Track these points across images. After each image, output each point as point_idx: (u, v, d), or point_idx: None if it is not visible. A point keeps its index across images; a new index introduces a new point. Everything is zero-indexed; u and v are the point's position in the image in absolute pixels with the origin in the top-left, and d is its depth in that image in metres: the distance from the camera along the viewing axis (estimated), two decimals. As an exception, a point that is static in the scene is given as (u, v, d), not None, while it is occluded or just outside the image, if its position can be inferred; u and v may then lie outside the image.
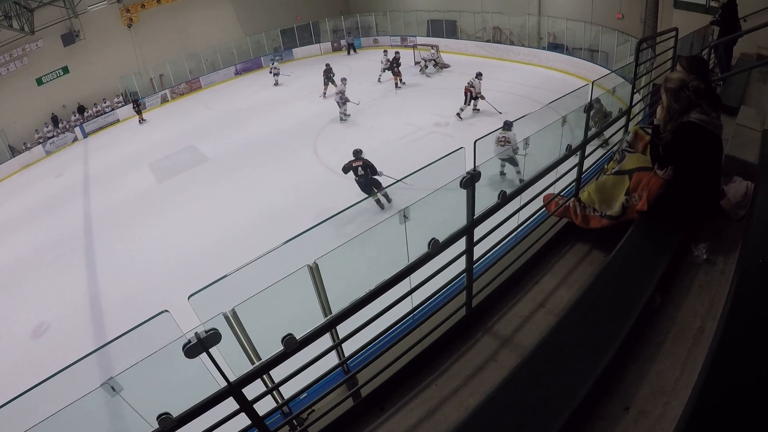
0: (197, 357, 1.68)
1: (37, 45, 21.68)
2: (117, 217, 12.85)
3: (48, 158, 20.98)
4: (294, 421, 2.43)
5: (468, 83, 14.77)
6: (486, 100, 14.85)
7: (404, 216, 2.53)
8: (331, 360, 2.47)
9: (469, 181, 2.35)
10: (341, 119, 16.46)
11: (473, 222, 2.56)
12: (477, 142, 2.36)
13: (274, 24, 28.24)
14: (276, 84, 23.30)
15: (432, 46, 21.87)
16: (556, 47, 20.52)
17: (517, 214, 3.09)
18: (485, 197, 2.63)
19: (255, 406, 2.02)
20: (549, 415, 1.98)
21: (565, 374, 2.16)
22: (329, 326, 2.18)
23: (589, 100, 3.44)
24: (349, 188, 11.50)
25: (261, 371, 1.97)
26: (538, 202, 3.43)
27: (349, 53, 27.58)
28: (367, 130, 15.46)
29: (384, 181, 9.93)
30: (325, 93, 19.31)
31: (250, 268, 2.10)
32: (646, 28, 15.95)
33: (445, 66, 21.48)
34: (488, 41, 23.52)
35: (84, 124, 22.56)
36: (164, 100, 24.68)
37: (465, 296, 2.84)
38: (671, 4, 13.14)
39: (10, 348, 8.66)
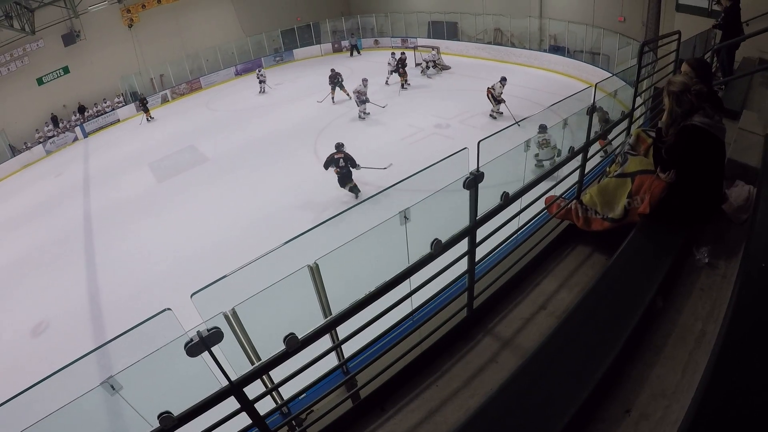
0: (198, 356, 1.68)
1: (37, 45, 21.71)
2: (117, 216, 12.85)
3: (48, 158, 21.00)
4: (293, 421, 2.43)
5: (489, 86, 14.71)
6: (506, 105, 14.66)
7: (405, 217, 2.52)
8: (331, 361, 2.47)
9: (473, 182, 2.35)
10: (360, 117, 16.46)
11: (476, 223, 2.56)
12: (480, 143, 2.36)
13: (274, 25, 28.28)
14: (261, 92, 22.57)
15: (433, 48, 21.90)
16: (557, 50, 20.56)
17: (518, 216, 3.08)
18: (485, 199, 2.63)
19: (255, 405, 2.02)
20: (550, 417, 1.97)
21: (566, 376, 2.15)
22: (329, 327, 2.18)
23: (592, 102, 3.44)
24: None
25: (262, 371, 1.97)
26: (540, 204, 3.43)
27: (352, 54, 27.46)
28: (367, 131, 15.48)
29: (369, 172, 10.86)
30: (333, 98, 18.75)
31: (251, 268, 2.09)
32: (647, 31, 15.98)
33: (445, 68, 21.52)
34: (489, 43, 23.58)
35: (84, 124, 22.58)
36: (165, 100, 24.69)
37: (466, 297, 2.84)
38: (673, 8, 13.16)
39: (9, 346, 8.66)
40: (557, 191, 3.55)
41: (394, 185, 2.91)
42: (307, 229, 2.44)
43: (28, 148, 20.94)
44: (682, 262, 2.89)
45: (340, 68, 19.76)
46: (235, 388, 1.86)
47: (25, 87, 21.77)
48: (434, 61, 21.21)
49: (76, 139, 22.19)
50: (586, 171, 3.67)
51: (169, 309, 1.72)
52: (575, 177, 3.61)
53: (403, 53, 20.19)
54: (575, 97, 4.45)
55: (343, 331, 2.34)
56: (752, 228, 2.62)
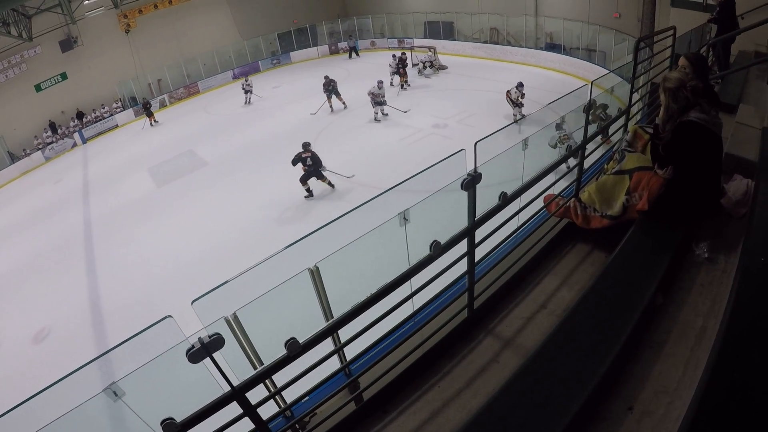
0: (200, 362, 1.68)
1: (35, 51, 21.71)
2: (116, 221, 12.85)
3: (47, 164, 21.00)
4: (296, 425, 2.43)
5: (507, 90, 14.54)
6: (522, 112, 14.37)
7: (404, 218, 2.53)
8: (333, 364, 2.47)
9: (470, 183, 2.35)
10: (376, 119, 16.21)
11: (474, 223, 2.56)
12: (478, 144, 2.36)
13: (271, 28, 28.30)
14: (247, 102, 21.66)
15: (429, 48, 21.91)
16: (553, 47, 20.58)
17: (517, 216, 3.09)
18: (484, 199, 2.63)
19: (257, 410, 2.02)
20: (552, 415, 1.97)
21: (568, 375, 2.16)
22: (331, 330, 2.18)
23: (588, 100, 3.44)
24: (351, 190, 11.54)
25: (264, 375, 1.97)
26: (539, 203, 3.43)
27: (350, 57, 27.28)
28: (365, 132, 15.49)
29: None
30: (331, 107, 17.96)
31: (251, 273, 2.09)
32: (643, 27, 15.99)
33: (442, 68, 21.52)
34: (485, 42, 23.59)
35: (83, 130, 22.59)
36: (162, 105, 24.68)
37: (467, 298, 2.84)
38: (668, 3, 13.18)
39: (11, 353, 8.66)
40: (556, 189, 3.55)
41: (393, 187, 2.92)
42: (308, 233, 2.43)
43: (27, 155, 20.94)
44: (681, 257, 2.89)
45: (338, 70, 19.72)
46: (237, 394, 1.86)
47: (23, 93, 21.75)
48: (431, 62, 21.22)
49: (74, 145, 22.20)
50: (584, 168, 3.68)
51: (170, 316, 1.72)
52: (573, 175, 3.61)
53: (403, 53, 20.18)
54: (573, 94, 4.46)
55: (344, 333, 2.34)
56: (751, 222, 2.62)
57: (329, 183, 11.75)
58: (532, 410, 2.04)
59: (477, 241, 2.70)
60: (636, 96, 4.59)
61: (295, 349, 1.93)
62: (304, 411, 2.47)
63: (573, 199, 3.50)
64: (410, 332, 2.66)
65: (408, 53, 21.79)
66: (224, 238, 10.58)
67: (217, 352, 1.71)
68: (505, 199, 2.70)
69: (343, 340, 2.41)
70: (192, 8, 26.19)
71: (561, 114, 10.25)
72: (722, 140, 2.99)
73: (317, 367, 2.20)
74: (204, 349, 1.64)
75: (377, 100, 15.95)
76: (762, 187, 2.82)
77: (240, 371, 2.09)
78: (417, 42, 24.81)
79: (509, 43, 22.71)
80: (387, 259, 2.79)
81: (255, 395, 2.00)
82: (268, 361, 2.01)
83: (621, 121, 4.28)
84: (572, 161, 9.89)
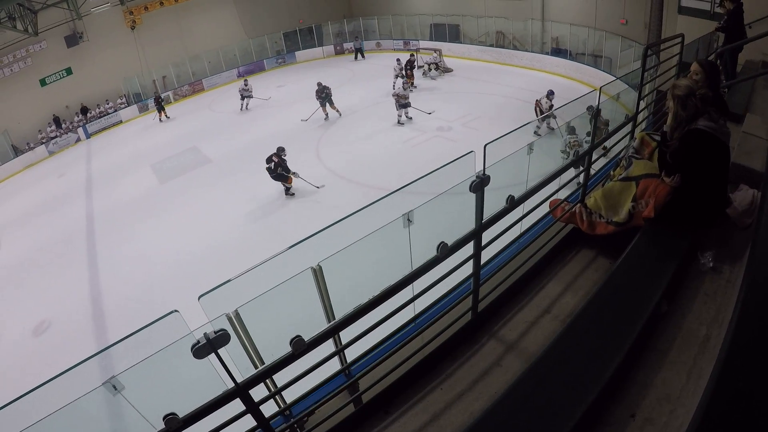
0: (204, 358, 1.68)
1: (40, 46, 21.74)
2: (119, 217, 12.87)
3: (51, 158, 21.03)
4: (296, 424, 2.42)
5: (537, 99, 14.07)
6: (555, 121, 13.30)
7: (408, 219, 2.52)
8: (335, 364, 2.46)
9: (479, 185, 2.35)
10: (399, 122, 15.61)
11: (482, 226, 2.55)
12: (487, 147, 2.35)
13: (276, 27, 28.30)
14: (245, 108, 20.41)
15: (435, 50, 21.91)
16: (559, 52, 20.54)
17: (522, 220, 3.08)
18: (489, 202, 2.62)
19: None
20: (555, 420, 1.97)
21: (571, 381, 2.15)
22: (333, 331, 2.18)
23: (597, 105, 3.44)
24: (353, 190, 11.54)
25: (268, 372, 1.97)
26: (544, 208, 3.43)
27: (356, 58, 27.11)
28: (370, 134, 15.46)
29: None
30: (326, 115, 17.00)
31: (255, 271, 2.09)
32: (650, 34, 15.95)
33: (447, 70, 21.51)
34: (491, 46, 23.55)
35: (87, 125, 22.59)
36: (167, 102, 24.69)
37: (471, 300, 2.83)
38: (675, 10, 13.14)
39: (11, 346, 8.68)
40: (562, 195, 3.55)
41: (399, 189, 2.91)
42: (313, 233, 2.43)
43: (30, 149, 20.97)
44: (686, 266, 2.88)
45: (344, 71, 19.66)
46: (241, 390, 1.86)
47: (28, 88, 21.78)
48: (436, 64, 21.21)
49: (78, 139, 22.22)
50: (590, 174, 3.67)
51: (176, 311, 1.72)
52: (579, 180, 3.61)
53: (412, 54, 20.11)
54: (579, 100, 4.45)
55: (346, 334, 2.34)
56: (757, 232, 2.60)
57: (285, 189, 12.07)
58: (535, 414, 2.04)
59: (483, 243, 2.69)
60: (643, 103, 4.57)
61: (300, 347, 1.93)
62: (306, 410, 2.46)
63: (579, 205, 3.49)
64: (413, 334, 2.66)
65: (415, 55, 21.82)
66: (226, 235, 10.60)
67: (221, 349, 1.71)
68: (513, 203, 2.69)
69: (344, 342, 2.41)
70: (198, 6, 26.22)
71: (566, 120, 10.24)
72: (730, 149, 2.99)
73: (318, 368, 2.19)
74: (209, 345, 1.64)
75: (401, 102, 15.36)
76: (769, 197, 2.81)
77: (241, 368, 2.09)
78: (423, 44, 24.80)
79: (515, 47, 22.69)
80: (390, 260, 2.79)
81: (256, 393, 2.00)
82: (268, 359, 2.00)
83: (628, 128, 4.27)
84: (568, 145, 9.92)
